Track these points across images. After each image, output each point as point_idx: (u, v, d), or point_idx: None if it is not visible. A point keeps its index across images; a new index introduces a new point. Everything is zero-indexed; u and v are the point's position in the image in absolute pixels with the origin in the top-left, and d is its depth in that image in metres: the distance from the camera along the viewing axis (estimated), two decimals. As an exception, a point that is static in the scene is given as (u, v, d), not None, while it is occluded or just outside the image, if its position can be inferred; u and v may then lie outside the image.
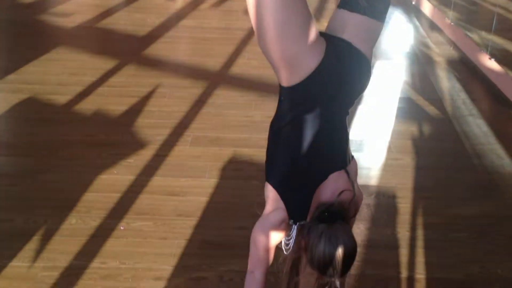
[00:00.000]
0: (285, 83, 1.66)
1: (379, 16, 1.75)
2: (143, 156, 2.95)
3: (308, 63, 1.62)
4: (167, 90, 3.86)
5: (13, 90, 3.74)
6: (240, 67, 4.34)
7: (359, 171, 1.85)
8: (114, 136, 3.17)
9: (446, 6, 5.63)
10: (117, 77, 4.05)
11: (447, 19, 5.25)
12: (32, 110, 3.50)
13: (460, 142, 3.24)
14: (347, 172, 1.69)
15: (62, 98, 3.60)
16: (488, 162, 3.02)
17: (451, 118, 3.54)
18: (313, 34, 1.62)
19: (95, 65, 4.24)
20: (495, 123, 3.49)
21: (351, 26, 1.72)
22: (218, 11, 6.01)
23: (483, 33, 4.83)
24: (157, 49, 4.70)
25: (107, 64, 4.25)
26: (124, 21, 5.51)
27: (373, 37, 1.78)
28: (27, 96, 3.62)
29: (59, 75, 4.03)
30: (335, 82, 1.69)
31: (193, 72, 4.22)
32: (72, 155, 2.96)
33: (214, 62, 4.43)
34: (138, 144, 3.07)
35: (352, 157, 1.78)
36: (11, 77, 3.97)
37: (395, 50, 4.90)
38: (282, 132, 1.71)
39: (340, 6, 1.75)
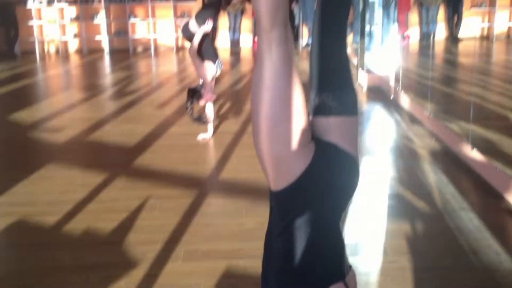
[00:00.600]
0: (273, 186, 1.61)
1: (353, 110, 1.72)
2: (134, 278, 2.79)
3: (295, 167, 1.56)
4: (158, 202, 3.76)
5: (1, 214, 3.62)
6: (230, 173, 4.29)
7: (357, 277, 1.73)
8: (104, 257, 3.03)
9: (423, 99, 5.73)
10: (107, 191, 3.96)
11: (425, 112, 5.31)
12: (20, 234, 3.37)
13: (454, 239, 3.13)
14: (346, 285, 1.58)
15: (51, 219, 3.48)
16: (486, 259, 2.90)
17: (442, 212, 3.46)
18: (304, 137, 1.58)
19: (85, 180, 4.16)
20: (487, 216, 3.40)
21: (332, 130, 1.67)
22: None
23: (462, 124, 4.87)
24: (147, 159, 4.66)
25: (97, 178, 4.17)
26: (114, 133, 5.52)
27: (355, 133, 1.74)
28: (16, 220, 3.49)
29: (49, 194, 3.93)
30: (324, 187, 1.63)
31: (183, 181, 4.15)
32: (59, 282, 2.80)
33: (204, 169, 4.39)
34: (129, 264, 2.92)
35: (350, 267, 1.67)
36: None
37: (378, 146, 4.90)
38: (273, 245, 1.63)
39: (314, 113, 1.72)
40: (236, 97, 6.82)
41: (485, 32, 11.18)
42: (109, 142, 5.23)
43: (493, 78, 7.49)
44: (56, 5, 11.12)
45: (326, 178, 1.62)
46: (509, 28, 11.08)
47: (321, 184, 1.61)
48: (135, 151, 4.86)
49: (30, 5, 11.12)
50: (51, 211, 3.62)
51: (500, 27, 10.99)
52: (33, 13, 11.18)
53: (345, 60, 1.75)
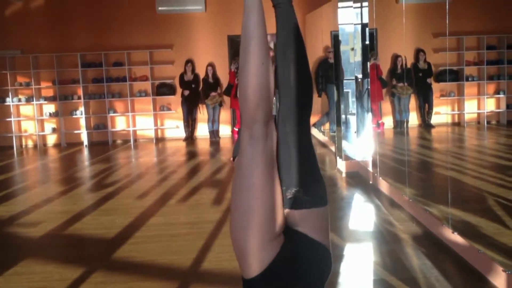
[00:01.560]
0: (245, 275, 1.64)
1: (323, 201, 1.82)
2: None
3: (265, 256, 1.62)
4: (137, 295, 3.67)
5: (-26, 312, 3.48)
6: (211, 262, 4.22)
7: None
8: None
9: (401, 183, 5.83)
10: (85, 286, 3.85)
11: (404, 196, 5.39)
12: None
13: (442, 324, 3.09)
14: None
15: (26, 316, 3.35)
16: None
17: (428, 297, 3.43)
18: (274, 229, 1.63)
19: (62, 275, 4.04)
20: (473, 300, 3.39)
21: (302, 221, 1.77)
22: (186, 206, 6.04)
23: (441, 207, 4.94)
24: (126, 251, 4.58)
25: (74, 273, 4.06)
26: (92, 225, 5.44)
27: (325, 223, 1.83)
28: (-12, 318, 3.36)
29: (23, 290, 3.81)
30: (293, 274, 1.68)
31: (164, 273, 4.07)
32: None
33: (185, 259, 4.32)
34: None
35: None
36: (-28, 299, 3.73)
37: (360, 231, 4.91)
38: None
39: (287, 207, 1.77)
40: (217, 186, 6.84)
41: (456, 119, 11.63)
42: (87, 235, 5.14)
43: (467, 162, 7.70)
44: (34, 102, 11.29)
45: (294, 266, 1.69)
46: (478, 114, 11.55)
47: (290, 272, 1.67)
48: (114, 244, 4.78)
49: (8, 102, 11.27)
50: (26, 309, 3.49)
51: (469, 114, 11.47)
52: (12, 109, 11.31)
53: (312, 154, 1.84)
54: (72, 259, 4.48)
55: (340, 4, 7.29)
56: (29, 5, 11.30)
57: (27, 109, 11.58)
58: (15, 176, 8.69)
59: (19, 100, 11.41)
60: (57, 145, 11.51)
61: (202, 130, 11.60)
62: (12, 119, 11.32)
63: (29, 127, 11.62)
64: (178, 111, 11.49)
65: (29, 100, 11.39)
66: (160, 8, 11.28)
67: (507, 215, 4.81)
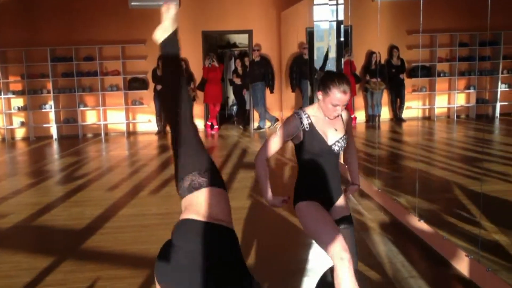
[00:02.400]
0: None
1: (219, 183, 2.46)
2: None
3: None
4: (107, 283, 3.71)
5: None
6: (181, 251, 4.28)
7: None
8: None
9: (372, 175, 5.97)
10: (53, 275, 3.88)
11: (374, 186, 5.53)
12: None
13: (406, 306, 3.21)
14: None
15: (-7, 305, 3.37)
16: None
17: (393, 281, 3.55)
18: None
19: (30, 265, 4.06)
20: (436, 284, 3.52)
21: (202, 203, 2.37)
22: (157, 197, 6.08)
23: (409, 197, 5.09)
24: (96, 241, 4.61)
25: (43, 262, 4.09)
26: (62, 217, 5.45)
27: (226, 204, 2.43)
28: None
29: (-9, 279, 3.82)
30: (186, 254, 2.23)
31: (134, 261, 4.11)
32: None
33: (155, 248, 4.30)
34: None
35: None
36: None
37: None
38: None
39: (187, 193, 2.50)
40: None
41: (427, 113, 11.87)
42: (56, 226, 5.15)
43: (436, 154, 7.90)
44: (2, 96, 11.14)
45: (184, 246, 2.24)
46: (448, 109, 11.82)
47: (183, 251, 2.22)
48: (84, 234, 4.81)
49: (-24, 95, 11.11)
50: (-7, 296, 3.50)
51: (440, 108, 11.72)
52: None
53: (194, 143, 2.49)
54: (41, 249, 4.50)
55: (316, 1, 7.40)
56: (-3, -1, 11.18)
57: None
58: (-18, 169, 8.59)
59: (-14, 94, 11.24)
60: (25, 139, 11.38)
61: (175, 125, 11.59)
62: (-20, 112, 11.17)
63: (-3, 121, 11.47)
64: (150, 105, 11.46)
65: (-3, 94, 11.24)
66: (132, 3, 11.21)
67: (471, 204, 4.99)
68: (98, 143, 10.68)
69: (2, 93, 11.13)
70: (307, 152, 2.85)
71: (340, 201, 2.92)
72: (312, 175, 2.89)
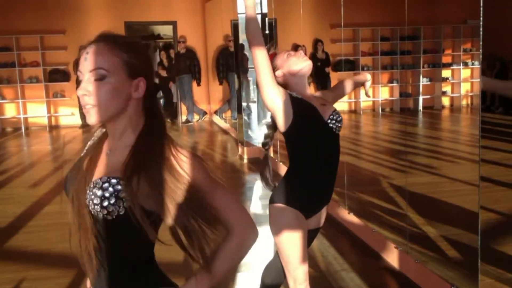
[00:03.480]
0: None
1: None
2: None
3: None
4: (32, 285, 3.55)
5: None
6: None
7: None
8: None
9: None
10: (-27, 278, 3.66)
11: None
12: None
13: (338, 298, 3.28)
14: None
15: None
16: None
17: (325, 274, 3.62)
18: None
19: None
20: (367, 276, 3.62)
21: None
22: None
23: (338, 189, 5.20)
24: (20, 241, 4.40)
25: (-39, 265, 3.85)
26: (-19, 215, 5.16)
27: None
28: None
29: None
30: None
31: (60, 261, 3.95)
32: None
33: (83, 247, 4.21)
34: None
35: None
36: None
37: (262, 215, 5.06)
38: None
39: None
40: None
41: (353, 107, 12.23)
42: (-25, 226, 4.87)
43: (363, 147, 8.16)
44: None
45: None
46: (373, 102, 12.22)
47: None
48: (6, 233, 4.58)
49: None
50: None
51: (365, 101, 12.10)
52: None
53: None
54: (-42, 251, 4.23)
55: (240, -6, 7.42)
56: None
57: None
58: None
59: None
60: None
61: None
62: None
63: None
64: (73, 98, 11.05)
65: None
66: (51, -10, 10.79)
67: (398, 196, 5.18)
68: (18, 137, 10.19)
69: None
70: (300, 133, 2.37)
71: (325, 208, 2.54)
72: (305, 168, 2.43)
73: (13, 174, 6.85)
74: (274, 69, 2.43)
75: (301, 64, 2.43)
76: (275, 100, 2.31)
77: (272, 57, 2.50)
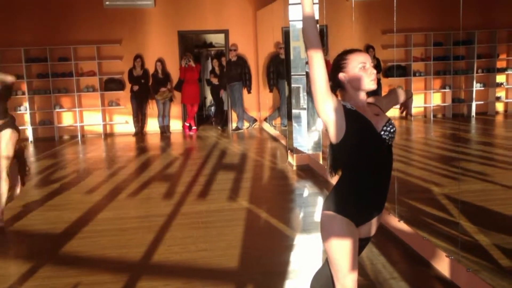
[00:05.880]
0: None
1: None
2: None
3: None
4: (86, 289, 3.65)
5: None
6: (162, 255, 4.24)
7: None
8: None
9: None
10: (32, 281, 3.80)
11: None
12: None
13: (388, 307, 3.22)
14: None
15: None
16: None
17: (374, 283, 3.56)
18: None
19: (7, 271, 3.99)
20: (417, 284, 3.55)
21: None
22: (136, 200, 6.02)
23: (388, 196, 5.11)
24: (75, 246, 4.54)
25: (21, 268, 4.01)
26: (39, 221, 5.37)
27: None
28: None
29: (-34, 286, 3.74)
30: None
31: (114, 266, 4.07)
32: None
33: (135, 252, 4.32)
34: None
35: None
36: None
37: (311, 222, 5.04)
38: None
39: None
40: (167, 180, 6.83)
41: (403, 113, 11.99)
42: (33, 231, 5.07)
43: (414, 154, 7.99)
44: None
45: None
46: (425, 108, 11.96)
47: None
48: (62, 238, 4.73)
49: None
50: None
51: (417, 108, 11.85)
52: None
53: None
54: (19, 254, 4.43)
55: (291, 1, 7.40)
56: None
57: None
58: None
59: None
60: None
61: (152, 125, 11.51)
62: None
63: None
64: (127, 106, 11.35)
65: None
66: (107, 3, 11.09)
67: (450, 204, 5.04)
68: (75, 145, 10.54)
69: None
70: (352, 146, 2.35)
71: (377, 218, 2.49)
72: (357, 178, 2.40)
73: (69, 181, 7.08)
74: (340, 70, 2.41)
75: (367, 85, 2.38)
76: (329, 112, 2.28)
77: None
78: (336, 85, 2.43)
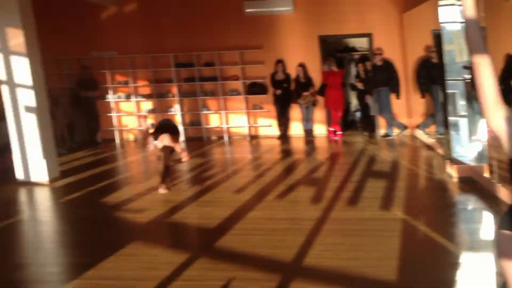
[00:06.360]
0: None
1: None
2: None
3: None
4: (242, 284, 3.75)
5: (90, 287, 3.76)
6: (313, 259, 4.23)
7: None
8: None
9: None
10: (189, 271, 4.01)
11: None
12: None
13: None
14: None
15: (137, 295, 3.54)
16: None
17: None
18: None
19: (168, 259, 4.25)
20: None
21: None
22: (284, 202, 6.08)
23: None
24: (227, 241, 4.70)
25: (179, 258, 4.25)
26: (193, 215, 5.67)
27: None
28: (103, 293, 3.60)
29: (134, 270, 4.05)
30: None
31: (265, 265, 4.13)
32: None
33: (286, 253, 4.35)
34: None
35: None
36: (89, 273, 4.04)
37: (477, 239, 4.71)
38: None
39: None
40: (314, 185, 6.81)
41: None
42: (189, 224, 5.36)
43: None
44: (133, 99, 11.88)
45: None
46: None
47: None
48: (215, 233, 4.93)
49: (109, 98, 11.93)
50: (136, 286, 3.68)
51: None
52: (112, 105, 11.97)
53: None
54: (176, 245, 4.70)
55: (442, 2, 7.03)
56: (124, 10, 11.93)
57: (126, 106, 12.19)
58: (119, 167, 9.19)
59: (119, 97, 12.04)
60: (154, 139, 11.98)
61: (296, 129, 11.62)
62: (113, 114, 11.97)
63: (129, 122, 12.22)
64: (270, 110, 11.58)
65: (127, 97, 12.00)
66: (247, 10, 11.41)
67: None
68: (222, 145, 10.98)
69: (132, 97, 11.85)
70: None
71: None
72: None
73: (218, 180, 7.37)
74: None
75: None
76: (500, 123, 2.08)
77: None
78: (509, 91, 2.20)
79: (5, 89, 7.43)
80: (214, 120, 12.04)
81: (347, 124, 12.66)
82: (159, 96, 11.88)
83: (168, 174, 6.73)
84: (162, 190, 6.58)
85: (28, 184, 7.42)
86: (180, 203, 6.07)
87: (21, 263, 4.54)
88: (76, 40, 11.82)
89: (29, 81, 7.35)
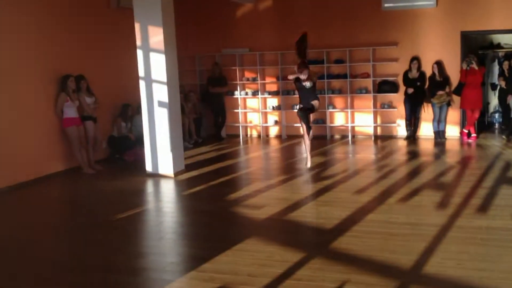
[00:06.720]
0: None
1: None
2: None
3: None
4: (354, 287, 3.71)
5: (206, 279, 3.97)
6: (434, 267, 4.09)
7: None
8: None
9: None
10: (303, 270, 4.07)
11: None
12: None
13: None
14: None
15: (249, 291, 3.67)
16: None
17: None
18: None
19: (282, 257, 4.34)
20: None
21: None
22: (407, 205, 5.92)
23: None
24: (343, 243, 4.69)
25: (294, 257, 4.33)
26: (310, 214, 5.73)
27: None
28: (218, 286, 3.78)
29: (249, 266, 4.20)
30: None
31: (382, 269, 4.07)
32: None
33: (405, 259, 4.24)
34: None
35: None
36: (205, 266, 4.24)
37: None
38: None
39: None
40: (441, 189, 6.54)
41: None
42: (305, 223, 5.42)
43: None
44: (259, 96, 12.17)
45: None
46: None
47: None
48: (332, 234, 4.95)
49: (237, 95, 12.34)
50: (250, 283, 3.82)
51: None
52: (239, 102, 12.36)
53: None
54: (291, 243, 4.77)
55: None
56: (259, 7, 12.23)
57: (252, 102, 12.53)
58: (240, 162, 9.49)
59: (246, 93, 12.42)
60: (278, 137, 12.21)
61: (425, 130, 11.19)
62: (239, 110, 12.38)
63: (254, 119, 12.55)
64: (399, 109, 11.26)
65: (254, 94, 12.33)
66: (386, 5, 11.12)
67: None
68: (345, 145, 10.89)
69: (259, 93, 12.15)
70: None
71: None
72: None
73: (339, 179, 7.34)
74: None
75: None
76: None
77: None
78: None
79: (142, 85, 7.98)
80: (339, 118, 11.98)
81: (483, 126, 11.95)
82: (285, 93, 12.07)
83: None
84: (309, 164, 7.89)
85: (156, 176, 7.93)
86: (298, 202, 6.16)
87: (143, 251, 4.90)
88: (211, 37, 12.43)
89: (164, 77, 7.82)
